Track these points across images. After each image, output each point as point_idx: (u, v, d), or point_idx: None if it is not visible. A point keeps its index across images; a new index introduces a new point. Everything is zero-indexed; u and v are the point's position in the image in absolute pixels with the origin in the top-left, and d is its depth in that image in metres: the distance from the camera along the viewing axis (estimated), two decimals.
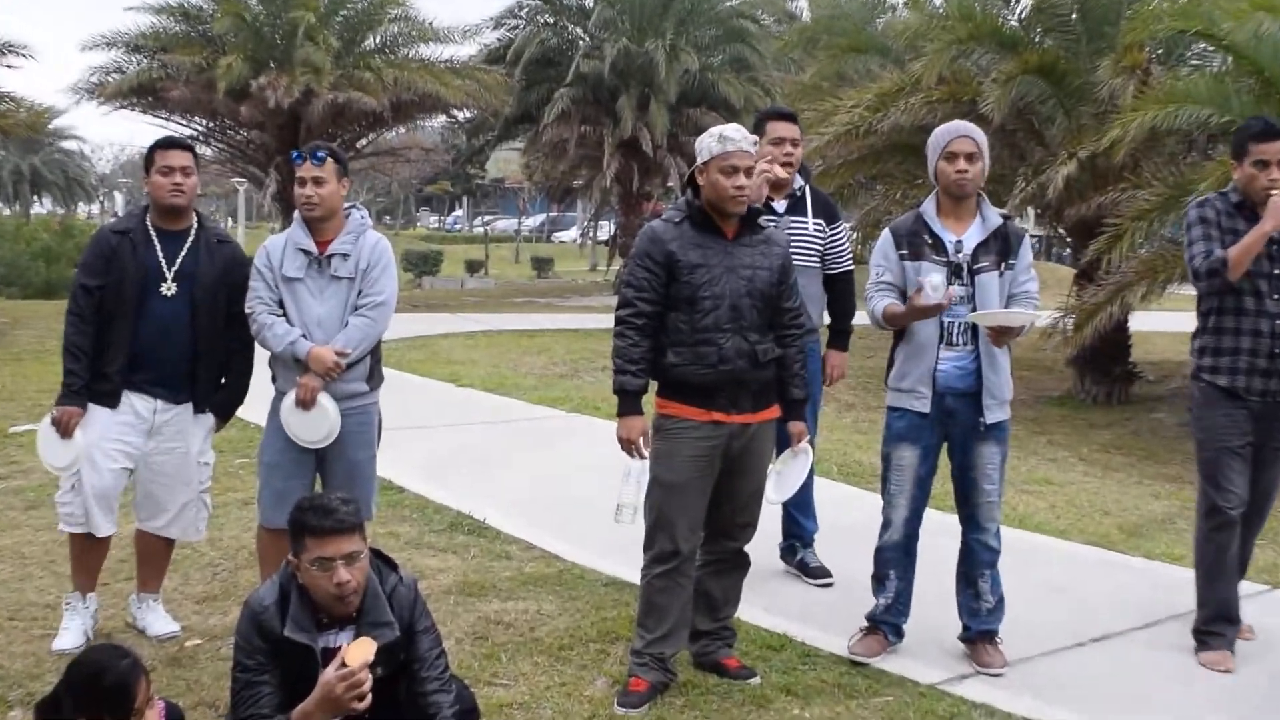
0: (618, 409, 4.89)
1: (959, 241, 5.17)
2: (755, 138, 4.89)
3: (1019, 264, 5.19)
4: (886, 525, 5.38)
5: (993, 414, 5.19)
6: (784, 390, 5.03)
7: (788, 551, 6.58)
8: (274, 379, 5.43)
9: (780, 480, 5.19)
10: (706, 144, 4.80)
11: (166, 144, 5.41)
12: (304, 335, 5.23)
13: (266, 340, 5.27)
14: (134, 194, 72.03)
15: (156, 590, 5.66)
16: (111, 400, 5.32)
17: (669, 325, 4.84)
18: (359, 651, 3.65)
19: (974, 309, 5.11)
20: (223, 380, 5.57)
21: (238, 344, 5.49)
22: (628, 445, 4.87)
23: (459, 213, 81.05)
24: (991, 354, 5.16)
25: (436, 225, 79.91)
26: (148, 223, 5.38)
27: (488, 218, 70.51)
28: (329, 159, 5.27)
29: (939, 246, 5.17)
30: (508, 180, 63.91)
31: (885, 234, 5.35)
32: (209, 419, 5.55)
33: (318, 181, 5.26)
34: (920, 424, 5.22)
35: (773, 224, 5.84)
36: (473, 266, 41.94)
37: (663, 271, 4.80)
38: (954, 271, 5.13)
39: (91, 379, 5.30)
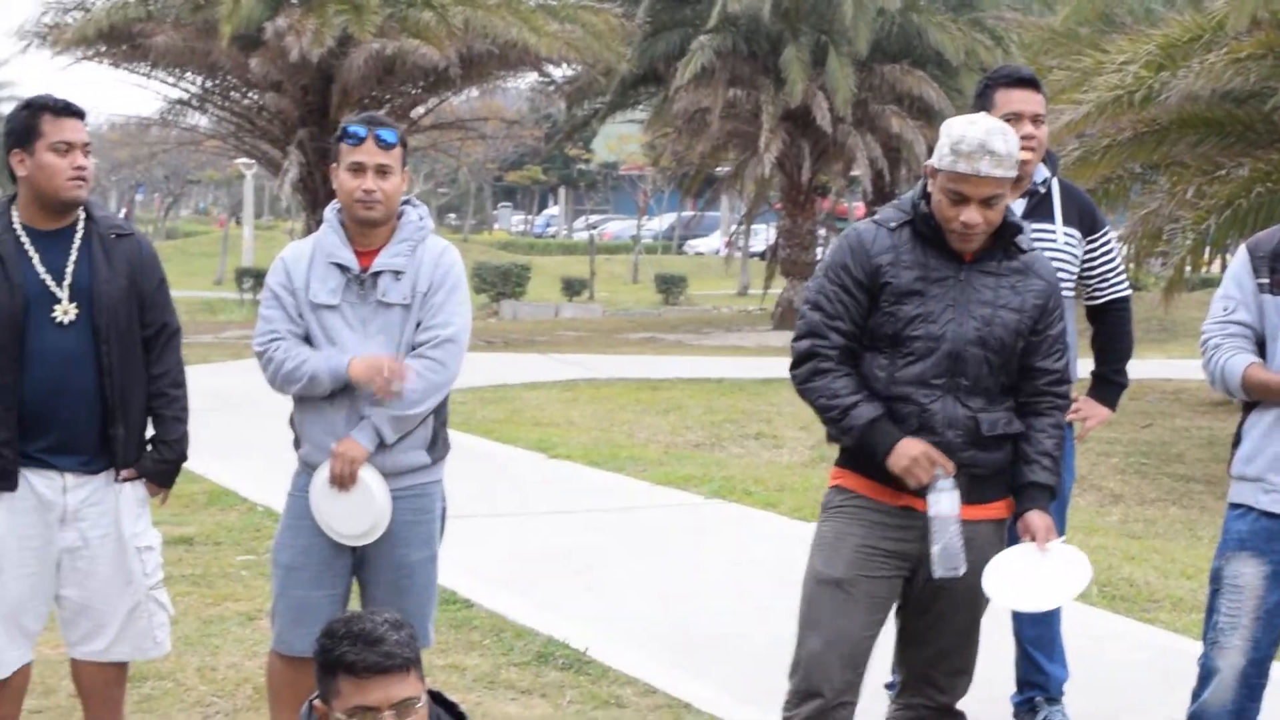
0: (880, 450, 4.74)
1: None
2: (1015, 152, 4.76)
3: None
4: (1208, 677, 5.25)
5: None
6: (1018, 471, 4.92)
7: (1025, 709, 6.50)
8: (297, 443, 5.52)
9: (1012, 580, 4.86)
10: (941, 141, 4.77)
11: (60, 108, 5.35)
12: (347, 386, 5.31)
13: (289, 373, 5.33)
14: (97, 179, 73.85)
15: None
16: (4, 484, 5.31)
17: (861, 366, 4.86)
18: None
19: None
20: (148, 434, 5.58)
21: (165, 380, 5.52)
22: (923, 465, 4.68)
23: (553, 211, 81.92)
24: None
25: (522, 228, 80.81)
26: (15, 225, 5.36)
27: (595, 218, 71.12)
28: (398, 141, 5.36)
29: None
30: (623, 166, 64.61)
31: (1240, 254, 5.28)
32: (140, 489, 5.55)
33: (383, 171, 5.32)
34: (1273, 529, 5.12)
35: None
36: (573, 287, 42.37)
37: (864, 295, 4.82)
38: None
39: None
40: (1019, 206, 6.12)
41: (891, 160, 27.22)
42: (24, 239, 5.31)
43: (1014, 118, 6.02)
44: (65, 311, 5.28)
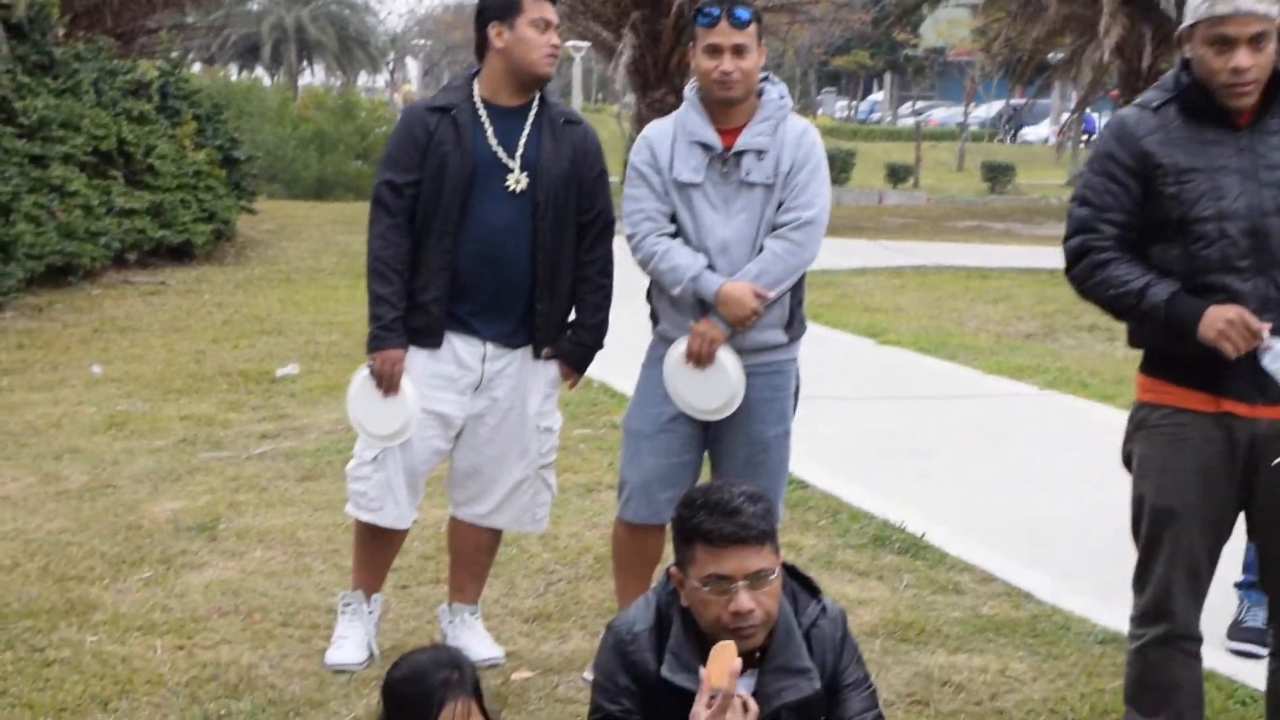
0: (1189, 322, 4.39)
1: None
2: None
3: None
4: None
5: None
6: None
7: None
8: (654, 318, 5.60)
9: None
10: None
11: None
12: (709, 266, 5.36)
13: (659, 274, 5.42)
14: (432, 61, 75.36)
15: (475, 601, 5.96)
16: (429, 340, 5.56)
17: (1151, 261, 4.53)
18: (720, 665, 3.64)
19: None
20: (571, 318, 5.77)
21: (594, 267, 5.69)
22: (1239, 330, 4.30)
23: (878, 96, 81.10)
24: None
25: (846, 114, 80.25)
26: (475, 97, 5.60)
27: (921, 105, 70.26)
28: (753, 18, 5.33)
29: None
30: (951, 52, 63.59)
31: None
32: (553, 369, 5.76)
33: (739, 51, 5.30)
34: None
35: None
36: (897, 174, 42.14)
37: (1136, 182, 4.50)
38: None
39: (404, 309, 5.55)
40: None
41: None
42: (481, 111, 5.55)
43: None
44: (518, 181, 5.51)
